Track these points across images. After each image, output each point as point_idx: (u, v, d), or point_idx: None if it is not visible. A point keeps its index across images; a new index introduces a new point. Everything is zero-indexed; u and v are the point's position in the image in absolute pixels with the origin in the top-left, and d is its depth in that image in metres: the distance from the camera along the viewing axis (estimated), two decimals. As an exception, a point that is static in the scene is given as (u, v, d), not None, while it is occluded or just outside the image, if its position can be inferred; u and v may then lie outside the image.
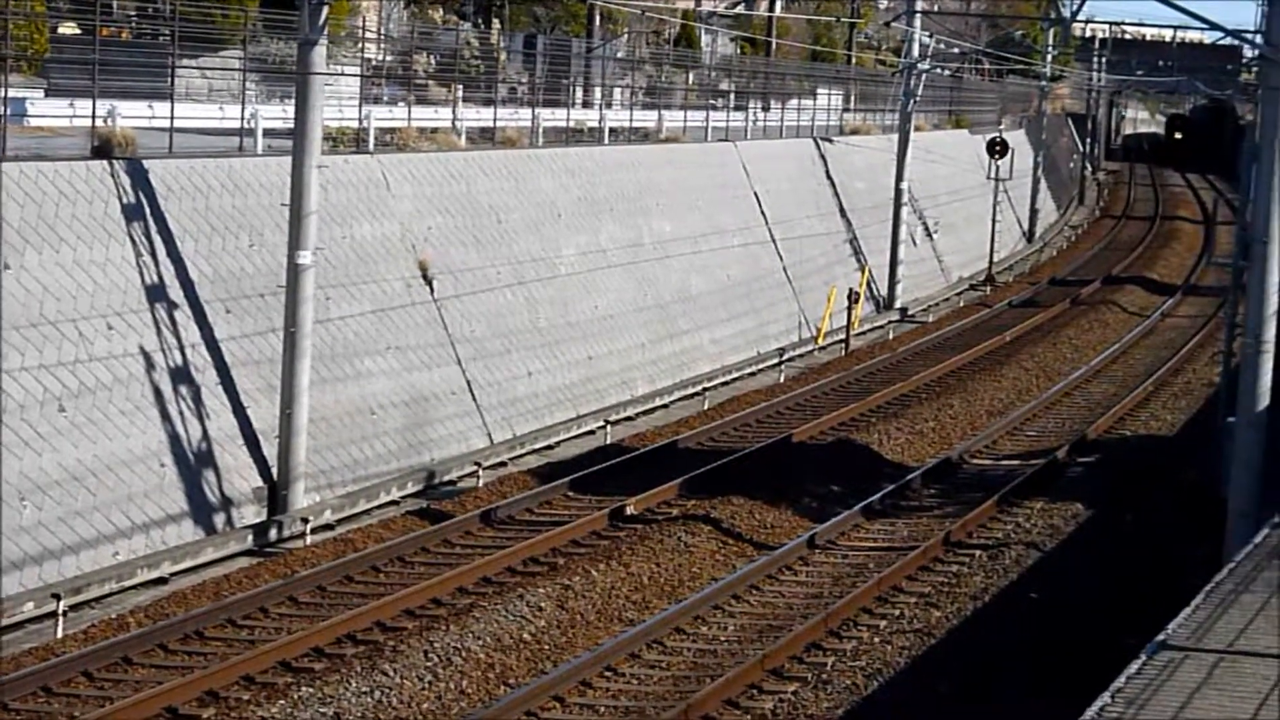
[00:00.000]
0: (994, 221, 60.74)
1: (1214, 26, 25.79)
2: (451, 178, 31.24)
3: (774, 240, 44.98)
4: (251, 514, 23.61)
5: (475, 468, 27.27)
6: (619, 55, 52.51)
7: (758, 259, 43.62)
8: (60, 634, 18.87)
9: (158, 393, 22.72)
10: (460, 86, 38.42)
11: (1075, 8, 58.92)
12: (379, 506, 25.23)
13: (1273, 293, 21.64)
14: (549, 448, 29.90)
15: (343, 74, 33.86)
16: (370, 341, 27.22)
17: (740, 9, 73.91)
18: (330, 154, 27.38)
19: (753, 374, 39.02)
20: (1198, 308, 53.92)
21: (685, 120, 46.28)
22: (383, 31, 42.09)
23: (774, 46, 64.00)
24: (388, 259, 28.40)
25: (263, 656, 17.87)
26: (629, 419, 32.77)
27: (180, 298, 23.72)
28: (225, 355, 24.21)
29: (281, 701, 16.69)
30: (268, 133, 27.99)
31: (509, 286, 31.62)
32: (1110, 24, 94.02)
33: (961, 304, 54.35)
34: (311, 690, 16.97)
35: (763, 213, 44.86)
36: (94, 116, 24.45)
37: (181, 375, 23.26)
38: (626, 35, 57.59)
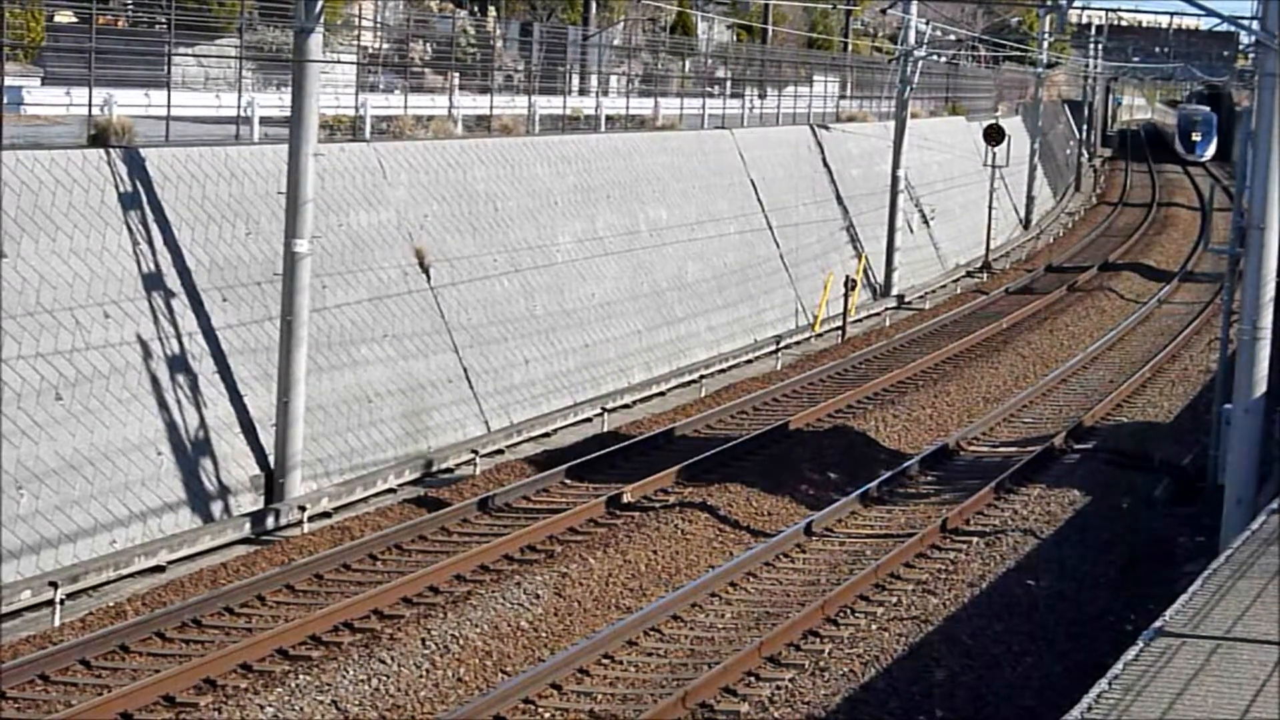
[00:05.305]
0: (990, 208, 60.69)
1: (1210, 13, 25.79)
2: (448, 165, 31.21)
3: (770, 227, 44.96)
4: (249, 502, 23.61)
5: (472, 455, 27.27)
6: (615, 43, 52.42)
7: (754, 246, 43.60)
8: (58, 622, 18.88)
9: (155, 381, 22.71)
10: (456, 74, 38.37)
11: (1071, -6, 58.80)
12: (376, 494, 25.24)
13: (1270, 279, 21.65)
14: (546, 435, 29.89)
15: (339, 62, 33.84)
16: (367, 329, 27.21)
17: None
18: (326, 142, 27.34)
19: (749, 361, 39.03)
20: (1194, 294, 53.88)
21: (681, 108, 46.26)
22: (379, 19, 42.04)
23: (770, 33, 63.94)
24: (384, 247, 28.39)
25: (260, 645, 17.89)
26: (626, 406, 32.78)
27: (177, 286, 23.70)
28: (222, 343, 24.20)
29: (279, 689, 16.69)
30: (264, 121, 27.97)
31: (505, 274, 31.61)
32: (1106, 10, 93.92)
33: (958, 291, 54.32)
34: (309, 678, 16.97)
35: (759, 200, 44.83)
36: (90, 105, 24.41)
37: (178, 363, 23.24)
38: (622, 22, 57.50)
